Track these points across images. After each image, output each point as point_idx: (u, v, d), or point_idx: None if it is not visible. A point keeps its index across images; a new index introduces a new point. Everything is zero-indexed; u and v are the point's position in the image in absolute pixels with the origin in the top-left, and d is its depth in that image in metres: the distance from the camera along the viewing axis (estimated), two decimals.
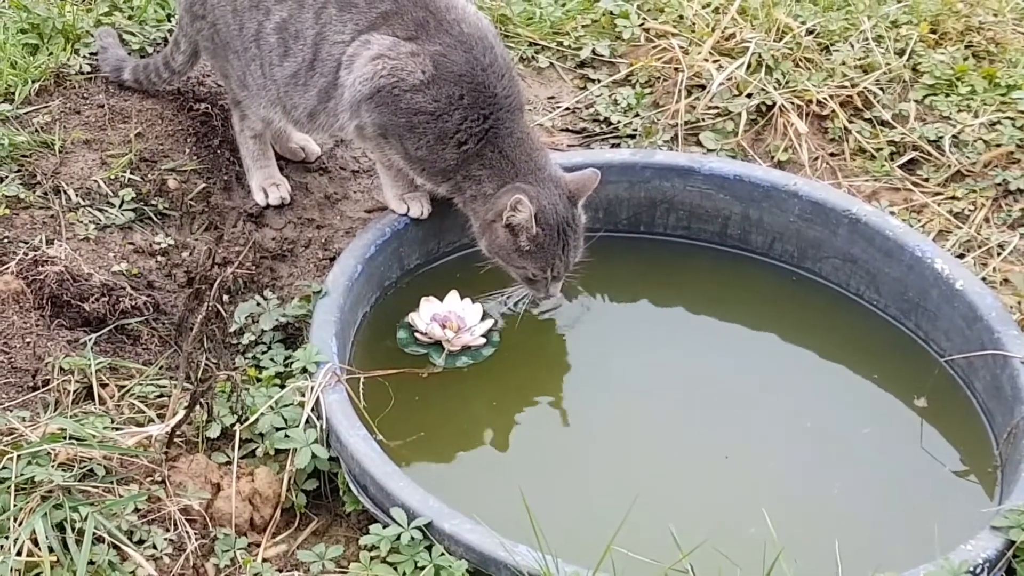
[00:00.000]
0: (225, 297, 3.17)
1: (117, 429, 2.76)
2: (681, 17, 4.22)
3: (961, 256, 3.45)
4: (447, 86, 3.11)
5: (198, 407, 2.78)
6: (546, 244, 3.14)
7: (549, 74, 4.16)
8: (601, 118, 3.96)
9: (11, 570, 2.43)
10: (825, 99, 3.89)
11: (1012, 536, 2.58)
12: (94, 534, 2.51)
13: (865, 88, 3.92)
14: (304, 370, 2.89)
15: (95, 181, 3.46)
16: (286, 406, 2.82)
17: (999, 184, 3.66)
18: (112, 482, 2.64)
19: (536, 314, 3.34)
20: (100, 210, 3.40)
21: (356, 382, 2.93)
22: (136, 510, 2.61)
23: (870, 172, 3.77)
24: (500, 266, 3.24)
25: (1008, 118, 3.82)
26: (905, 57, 4.03)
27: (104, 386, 2.92)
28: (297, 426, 2.78)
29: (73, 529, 2.51)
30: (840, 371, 3.23)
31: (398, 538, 2.57)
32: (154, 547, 2.57)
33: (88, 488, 2.60)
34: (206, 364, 3.02)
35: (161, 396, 2.92)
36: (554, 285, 3.23)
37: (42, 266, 3.12)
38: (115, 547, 2.53)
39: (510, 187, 3.14)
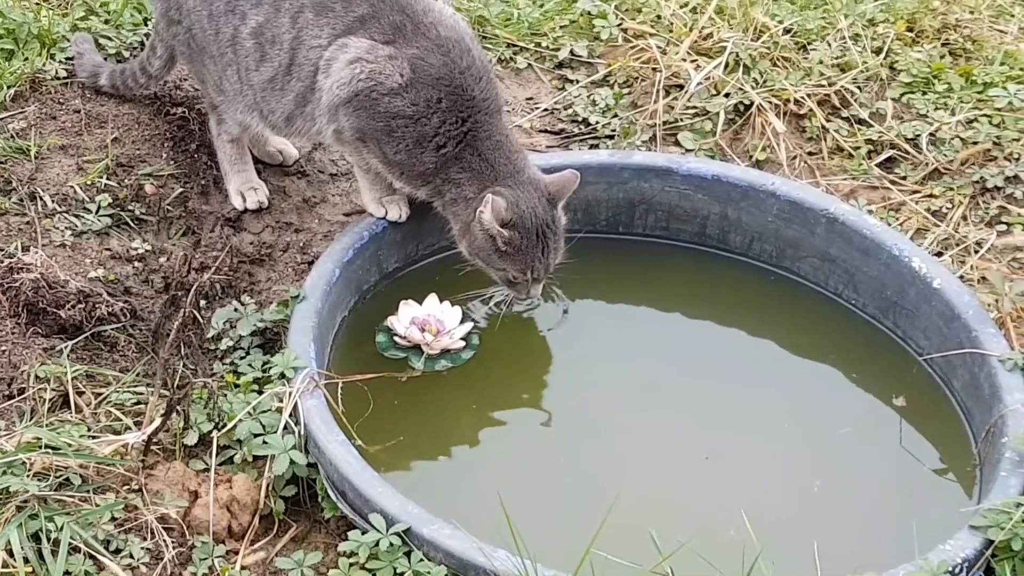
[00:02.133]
0: (202, 302, 3.16)
1: (93, 437, 2.75)
2: (659, 17, 4.21)
3: (939, 254, 3.45)
4: (425, 89, 3.10)
5: (175, 414, 2.77)
6: (524, 246, 3.13)
7: (527, 75, 4.15)
8: (579, 119, 3.95)
9: None
10: (803, 98, 3.89)
11: (991, 535, 2.58)
12: (70, 544, 2.50)
13: (842, 87, 3.92)
14: (282, 375, 2.88)
15: (71, 187, 3.44)
16: (264, 412, 2.81)
17: (976, 182, 3.66)
18: (88, 491, 2.63)
19: (518, 314, 3.33)
20: (76, 216, 3.39)
21: (334, 387, 2.92)
22: (113, 519, 2.60)
23: (848, 171, 3.77)
24: (481, 268, 3.23)
25: (985, 116, 3.82)
26: (882, 55, 4.03)
27: (80, 394, 2.91)
28: (275, 432, 2.77)
29: (49, 539, 2.50)
30: (819, 370, 3.23)
31: (377, 544, 2.56)
32: (131, 556, 2.57)
33: (64, 497, 2.59)
34: (183, 370, 3.02)
35: (138, 403, 2.91)
36: (535, 287, 3.23)
37: (17, 273, 3.11)
38: (91, 557, 2.52)
39: (489, 190, 3.13)
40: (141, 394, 2.93)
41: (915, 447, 3.02)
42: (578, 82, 4.07)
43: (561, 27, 4.25)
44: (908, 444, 3.02)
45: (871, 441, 3.04)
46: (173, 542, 2.62)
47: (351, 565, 2.57)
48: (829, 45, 4.07)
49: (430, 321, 3.20)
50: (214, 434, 2.79)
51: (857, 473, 2.97)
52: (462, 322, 3.23)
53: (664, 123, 3.87)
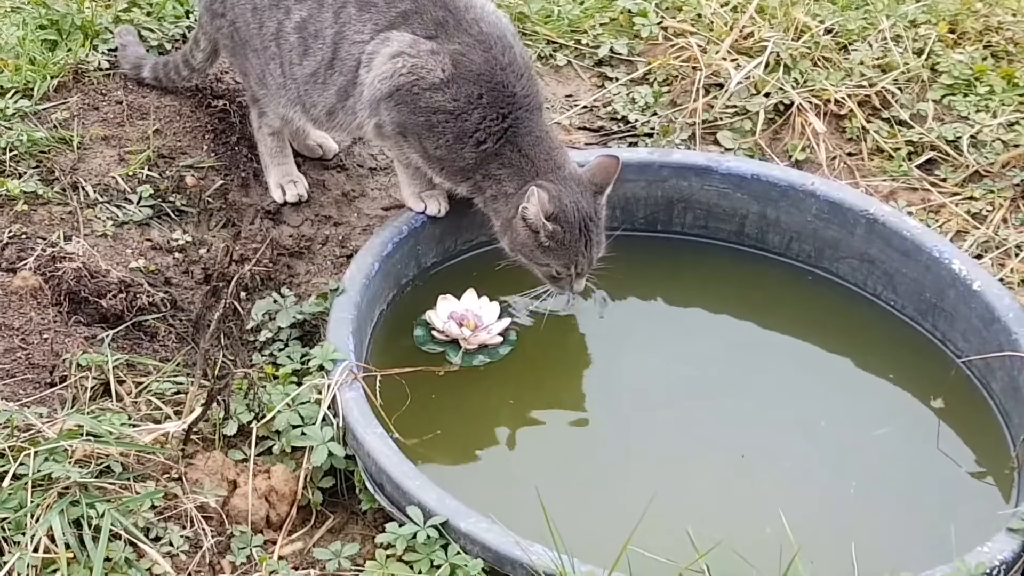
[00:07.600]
0: (242, 294, 3.18)
1: (134, 426, 2.76)
2: (699, 16, 4.21)
3: (979, 257, 3.44)
4: (466, 85, 3.11)
5: (215, 404, 2.79)
6: (568, 240, 3.13)
7: (567, 72, 4.16)
8: (619, 116, 3.96)
9: (28, 566, 2.44)
10: (843, 98, 3.88)
11: None
12: (111, 531, 2.51)
13: (883, 88, 3.91)
14: (321, 368, 2.89)
15: (113, 177, 3.47)
16: (303, 404, 2.82)
17: (1017, 185, 3.65)
18: (129, 479, 2.64)
19: (556, 311, 3.33)
20: (118, 206, 3.41)
21: (373, 380, 2.93)
22: (153, 507, 2.62)
23: (888, 172, 3.76)
24: (523, 264, 3.23)
25: None
26: (923, 57, 4.02)
27: (121, 383, 2.93)
28: (314, 424, 2.78)
29: (90, 526, 2.51)
30: (856, 371, 3.22)
31: (414, 536, 2.56)
32: (170, 544, 2.58)
33: (105, 485, 2.60)
34: (223, 361, 3.03)
35: (178, 393, 2.92)
36: (578, 282, 3.22)
37: (60, 262, 3.14)
38: (131, 544, 2.53)
39: (531, 185, 3.13)
40: (181, 384, 2.95)
41: (953, 449, 3.01)
42: (618, 80, 4.08)
43: (601, 24, 4.26)
44: (945, 446, 3.01)
45: (908, 442, 3.03)
46: (212, 531, 2.63)
47: (388, 557, 2.57)
48: (870, 46, 4.06)
49: (468, 316, 3.20)
50: (253, 425, 2.80)
51: (894, 474, 2.96)
52: (500, 318, 3.24)
53: (703, 122, 3.87)
